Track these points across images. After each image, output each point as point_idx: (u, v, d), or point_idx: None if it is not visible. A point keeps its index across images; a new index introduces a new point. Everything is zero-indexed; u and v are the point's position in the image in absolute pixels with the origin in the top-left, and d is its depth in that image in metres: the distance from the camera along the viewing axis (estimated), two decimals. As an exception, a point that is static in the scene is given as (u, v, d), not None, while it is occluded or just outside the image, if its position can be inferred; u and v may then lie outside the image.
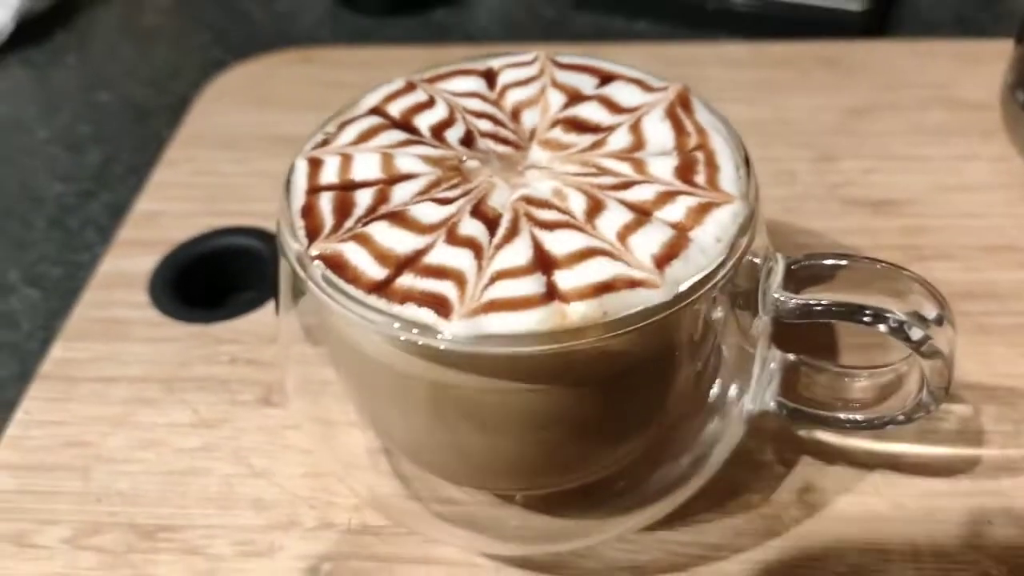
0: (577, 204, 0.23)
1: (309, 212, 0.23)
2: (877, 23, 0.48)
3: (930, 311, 0.23)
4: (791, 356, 0.27)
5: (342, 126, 0.26)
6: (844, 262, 0.24)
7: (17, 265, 0.42)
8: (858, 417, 0.26)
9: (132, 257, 0.37)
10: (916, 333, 0.23)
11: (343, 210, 0.23)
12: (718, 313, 0.23)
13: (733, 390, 0.26)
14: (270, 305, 0.35)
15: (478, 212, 0.23)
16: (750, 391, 0.26)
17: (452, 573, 0.27)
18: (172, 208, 0.39)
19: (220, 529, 0.28)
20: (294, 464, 0.30)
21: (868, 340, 0.31)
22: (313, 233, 0.23)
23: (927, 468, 0.28)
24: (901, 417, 0.25)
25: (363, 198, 0.23)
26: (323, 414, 0.29)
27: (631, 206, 0.23)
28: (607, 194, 0.23)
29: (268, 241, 0.37)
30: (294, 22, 0.56)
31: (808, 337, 0.31)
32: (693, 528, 0.27)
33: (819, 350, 0.31)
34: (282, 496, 0.29)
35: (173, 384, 0.32)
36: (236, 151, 0.42)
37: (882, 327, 0.23)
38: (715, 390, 0.26)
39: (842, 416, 0.26)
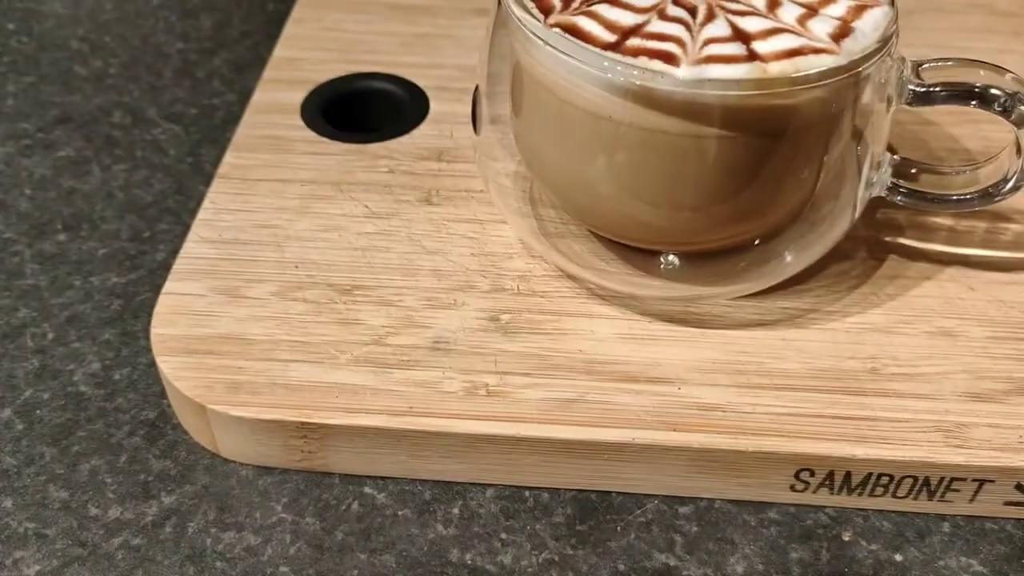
0: (758, 1, 0.29)
1: (540, -2, 0.29)
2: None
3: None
4: (900, 157, 0.33)
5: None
6: (951, 63, 0.30)
7: (154, 104, 0.46)
8: (968, 193, 0.32)
9: (281, 92, 0.42)
10: (1019, 109, 0.29)
11: (568, -2, 0.28)
12: (868, 95, 0.29)
13: (862, 173, 0.31)
14: (415, 132, 0.40)
15: (678, 2, 0.28)
16: (877, 174, 0.32)
17: (612, 325, 0.32)
18: (309, 56, 0.44)
19: (407, 289, 0.33)
20: (462, 247, 0.35)
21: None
22: (545, 11, 0.28)
23: (992, 266, 0.35)
24: (1007, 187, 0.31)
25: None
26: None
27: (801, 4, 0.28)
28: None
29: (403, 86, 0.42)
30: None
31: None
32: (803, 293, 0.34)
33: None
34: (456, 268, 0.34)
35: (341, 186, 0.37)
36: (360, 14, 0.46)
37: (994, 104, 0.29)
38: (849, 169, 0.31)
39: (954, 196, 0.32)
